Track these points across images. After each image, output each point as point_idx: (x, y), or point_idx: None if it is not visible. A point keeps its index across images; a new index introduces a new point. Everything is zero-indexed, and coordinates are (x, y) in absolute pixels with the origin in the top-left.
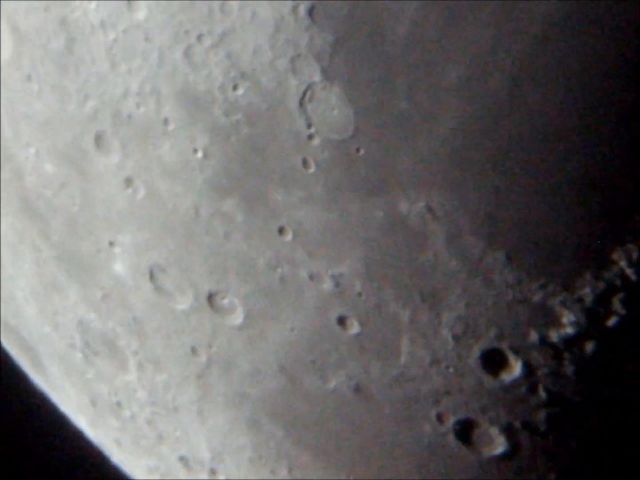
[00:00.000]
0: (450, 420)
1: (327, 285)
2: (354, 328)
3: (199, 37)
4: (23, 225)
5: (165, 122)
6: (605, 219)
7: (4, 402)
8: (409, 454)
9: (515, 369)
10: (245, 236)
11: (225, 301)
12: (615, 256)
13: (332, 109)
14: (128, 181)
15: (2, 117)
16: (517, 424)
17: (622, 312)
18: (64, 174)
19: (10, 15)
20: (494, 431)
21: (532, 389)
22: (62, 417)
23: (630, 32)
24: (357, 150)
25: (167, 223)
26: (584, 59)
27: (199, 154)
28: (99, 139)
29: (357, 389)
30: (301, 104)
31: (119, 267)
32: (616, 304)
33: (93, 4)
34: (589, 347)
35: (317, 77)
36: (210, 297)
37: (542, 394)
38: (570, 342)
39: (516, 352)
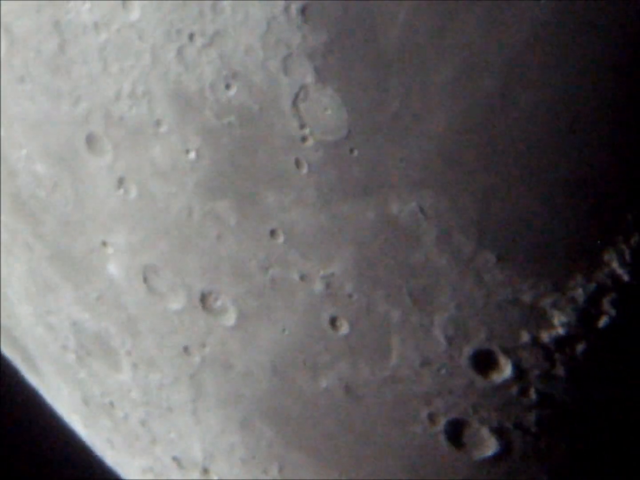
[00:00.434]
0: (441, 421)
1: (318, 286)
2: (345, 329)
3: (191, 37)
4: (16, 225)
5: (158, 123)
6: (596, 219)
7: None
8: (400, 455)
9: (506, 369)
10: (237, 237)
11: (218, 302)
12: (606, 256)
13: (325, 110)
14: (120, 182)
15: None
16: (509, 425)
17: (613, 312)
18: (56, 174)
19: (2, 16)
20: (485, 432)
21: (523, 390)
22: (57, 417)
23: (621, 32)
24: (351, 151)
25: (159, 224)
26: (575, 59)
27: (191, 155)
28: (91, 140)
29: (348, 390)
30: (294, 104)
31: (112, 268)
32: (607, 304)
33: (87, 5)
34: (580, 347)
35: (310, 78)
36: (203, 298)
37: (533, 394)
38: (561, 343)
39: (507, 352)
